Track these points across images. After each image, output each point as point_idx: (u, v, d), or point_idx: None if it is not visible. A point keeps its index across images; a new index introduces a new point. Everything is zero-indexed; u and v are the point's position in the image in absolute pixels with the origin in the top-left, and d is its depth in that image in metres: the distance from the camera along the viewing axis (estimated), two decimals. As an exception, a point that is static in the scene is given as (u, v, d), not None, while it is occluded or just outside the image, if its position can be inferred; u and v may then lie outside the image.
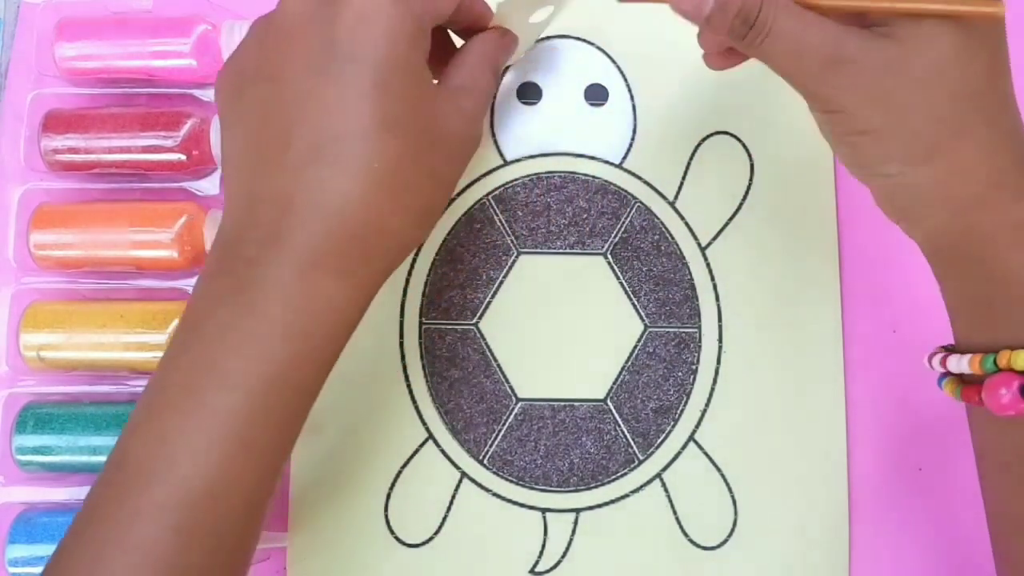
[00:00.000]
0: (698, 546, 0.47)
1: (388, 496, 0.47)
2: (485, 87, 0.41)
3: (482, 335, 0.48)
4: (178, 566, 0.33)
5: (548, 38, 0.51)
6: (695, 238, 0.49)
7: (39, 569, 0.42)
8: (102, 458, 0.43)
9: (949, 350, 0.39)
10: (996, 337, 0.36)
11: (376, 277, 0.37)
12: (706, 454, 0.47)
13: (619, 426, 0.48)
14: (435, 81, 0.39)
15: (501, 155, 0.50)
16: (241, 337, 0.34)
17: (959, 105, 0.35)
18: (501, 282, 0.49)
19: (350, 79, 0.35)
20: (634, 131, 0.50)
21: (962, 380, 0.39)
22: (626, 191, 0.50)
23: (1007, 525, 0.40)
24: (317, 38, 0.35)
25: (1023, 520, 0.39)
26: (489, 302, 0.49)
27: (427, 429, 0.47)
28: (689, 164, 0.50)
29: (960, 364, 0.38)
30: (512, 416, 0.48)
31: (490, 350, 0.48)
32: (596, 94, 0.51)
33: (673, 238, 0.49)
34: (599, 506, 0.47)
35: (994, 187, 0.36)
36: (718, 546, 0.47)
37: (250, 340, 0.34)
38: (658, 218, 0.49)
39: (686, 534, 0.47)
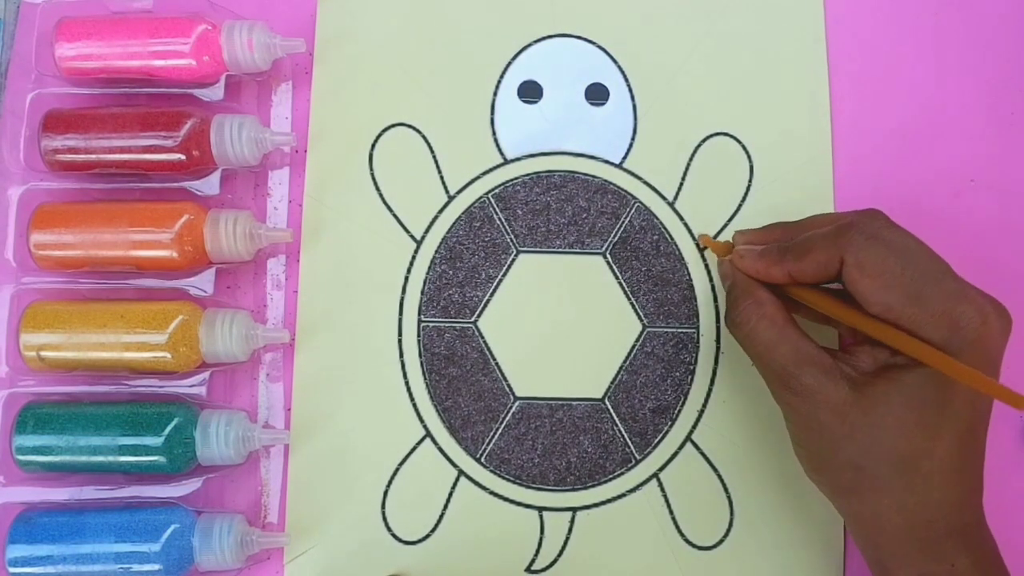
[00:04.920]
0: (694, 546, 0.47)
1: (385, 494, 0.47)
2: None
3: (481, 333, 0.48)
4: None
5: (549, 37, 0.51)
6: (695, 238, 0.49)
7: (39, 569, 0.43)
8: (102, 458, 0.44)
9: None
10: None
11: None
12: (703, 454, 0.48)
13: (616, 426, 0.48)
14: None
15: (501, 154, 0.50)
16: None
17: (883, 459, 0.39)
18: (500, 281, 0.49)
19: None
20: (634, 131, 0.50)
21: None
22: (626, 191, 0.50)
23: None
24: None
25: None
26: (488, 301, 0.49)
27: (425, 427, 0.48)
28: (689, 164, 0.50)
29: None
30: (510, 415, 0.48)
31: (488, 349, 0.48)
32: (596, 94, 0.51)
33: (672, 238, 0.49)
34: (596, 505, 0.47)
35: (903, 541, 0.39)
36: (714, 546, 0.47)
37: None
38: (657, 218, 0.49)
39: (682, 534, 0.47)
